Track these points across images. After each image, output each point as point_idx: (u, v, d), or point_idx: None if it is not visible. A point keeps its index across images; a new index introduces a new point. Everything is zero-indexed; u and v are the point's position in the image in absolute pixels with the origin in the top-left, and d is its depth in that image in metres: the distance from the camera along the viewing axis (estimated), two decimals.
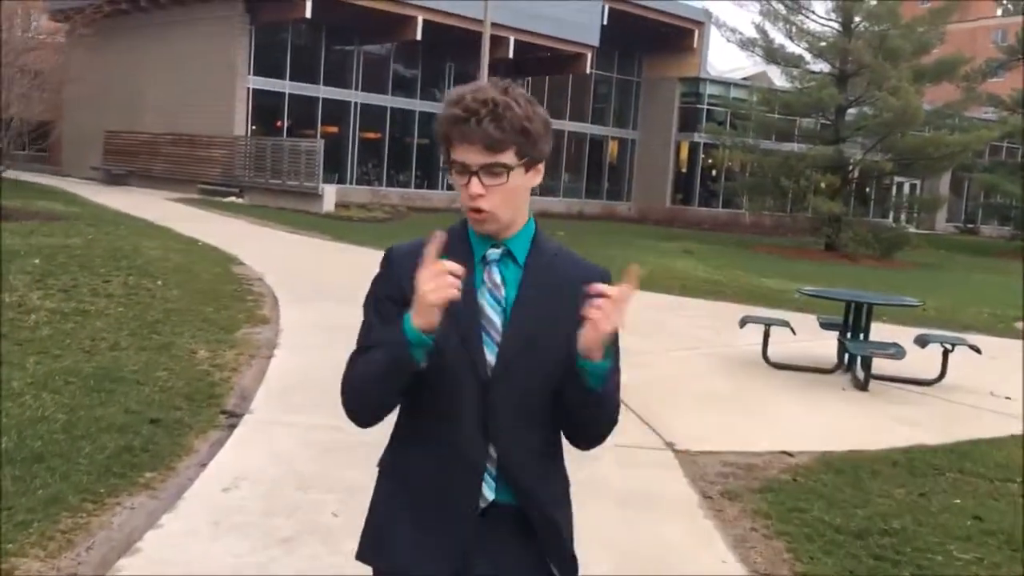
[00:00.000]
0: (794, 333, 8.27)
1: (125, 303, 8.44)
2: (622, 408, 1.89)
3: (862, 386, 7.56)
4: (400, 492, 1.84)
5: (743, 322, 8.29)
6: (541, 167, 1.79)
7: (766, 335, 8.09)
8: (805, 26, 26.39)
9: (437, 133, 1.74)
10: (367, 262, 2.37)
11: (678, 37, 37.17)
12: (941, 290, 16.91)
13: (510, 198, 1.74)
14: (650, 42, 37.79)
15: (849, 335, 8.08)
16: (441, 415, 1.77)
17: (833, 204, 24.06)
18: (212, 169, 28.72)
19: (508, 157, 1.70)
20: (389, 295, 1.78)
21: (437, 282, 1.60)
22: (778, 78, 35.76)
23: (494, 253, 1.79)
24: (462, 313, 1.71)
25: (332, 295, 10.09)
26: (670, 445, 5.59)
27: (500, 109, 1.68)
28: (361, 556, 1.89)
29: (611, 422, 1.84)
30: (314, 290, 10.77)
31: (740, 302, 13.01)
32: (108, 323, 7.48)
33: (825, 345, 9.09)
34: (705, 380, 7.61)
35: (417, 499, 1.80)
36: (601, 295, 1.63)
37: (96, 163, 33.45)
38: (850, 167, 26.44)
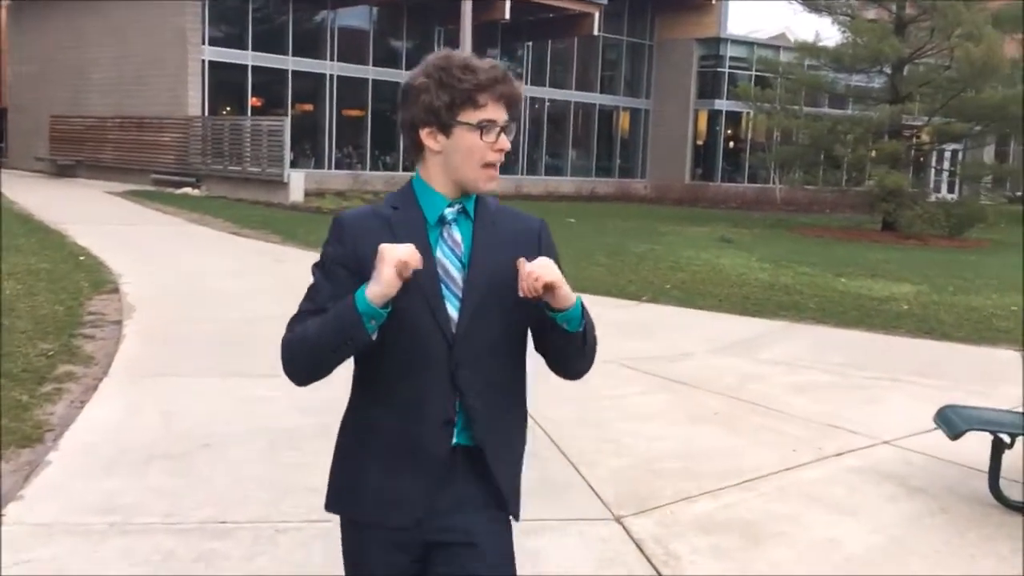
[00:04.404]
0: None
1: None
2: None
3: None
4: (366, 445, 1.83)
5: (955, 432, 4.15)
6: None
7: (997, 452, 4.11)
8: None
9: (464, 96, 1.73)
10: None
11: None
12: None
13: None
14: None
15: None
16: (408, 375, 1.77)
17: (898, 177, 19.95)
18: (165, 156, 24.78)
19: None
20: (342, 262, 1.77)
21: (411, 256, 1.64)
22: (802, 36, 31.59)
23: (451, 212, 1.79)
24: (423, 275, 1.70)
25: (219, 355, 6.21)
26: None
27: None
28: (329, 507, 1.90)
29: (594, 351, 1.88)
30: (192, 341, 6.83)
31: (834, 324, 9.17)
32: None
33: None
34: (911, 568, 3.63)
35: (384, 451, 1.81)
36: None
37: (42, 153, 29.45)
38: (915, 131, 22.32)
